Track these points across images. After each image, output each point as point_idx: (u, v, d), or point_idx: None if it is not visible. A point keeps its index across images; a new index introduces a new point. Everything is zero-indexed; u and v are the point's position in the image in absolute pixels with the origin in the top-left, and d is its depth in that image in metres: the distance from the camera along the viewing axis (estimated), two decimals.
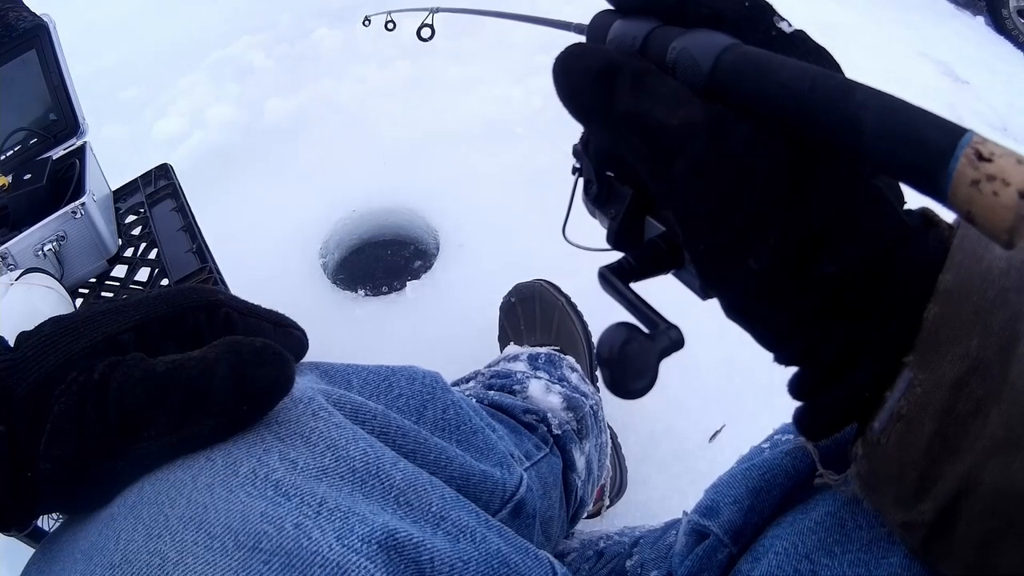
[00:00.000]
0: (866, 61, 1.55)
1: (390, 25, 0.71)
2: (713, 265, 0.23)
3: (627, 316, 0.24)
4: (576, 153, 0.29)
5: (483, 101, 1.42)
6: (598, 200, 0.28)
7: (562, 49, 0.24)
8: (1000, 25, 2.02)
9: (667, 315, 0.23)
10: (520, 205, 1.15)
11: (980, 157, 0.16)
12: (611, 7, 0.26)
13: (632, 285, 0.25)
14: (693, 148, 0.21)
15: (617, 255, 0.26)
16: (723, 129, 0.21)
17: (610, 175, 0.27)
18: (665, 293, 0.31)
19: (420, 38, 0.60)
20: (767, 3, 0.24)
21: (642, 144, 0.22)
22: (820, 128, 0.19)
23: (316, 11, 1.77)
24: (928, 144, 0.17)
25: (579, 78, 0.23)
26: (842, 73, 0.23)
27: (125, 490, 0.27)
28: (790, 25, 0.24)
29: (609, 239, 0.28)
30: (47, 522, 0.54)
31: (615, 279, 0.25)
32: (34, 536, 0.56)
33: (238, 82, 1.58)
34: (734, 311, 0.24)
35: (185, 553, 0.24)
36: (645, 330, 0.23)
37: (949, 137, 0.17)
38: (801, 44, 0.23)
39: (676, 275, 0.26)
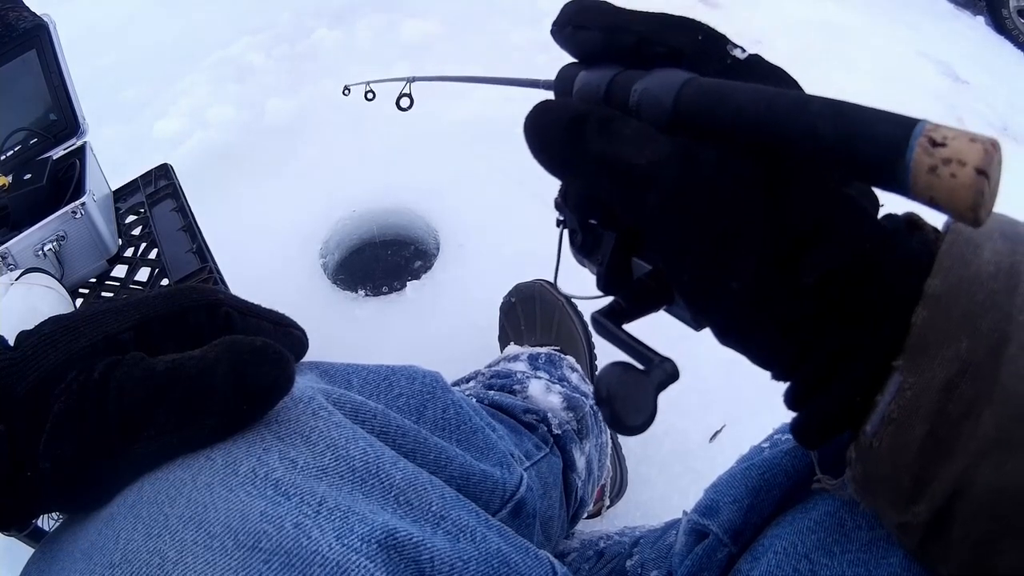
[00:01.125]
0: (866, 61, 1.56)
1: (370, 95, 0.73)
2: (697, 291, 0.23)
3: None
4: (557, 206, 0.30)
5: (483, 101, 1.42)
6: (584, 248, 0.29)
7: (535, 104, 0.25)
8: (1000, 25, 2.02)
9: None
10: (520, 205, 1.15)
11: (934, 143, 0.16)
12: (575, 60, 0.27)
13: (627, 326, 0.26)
14: (663, 180, 0.22)
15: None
16: (689, 158, 0.22)
17: (592, 223, 0.28)
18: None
19: (399, 108, 0.62)
20: (720, 34, 0.25)
21: (615, 184, 0.23)
22: (783, 144, 0.20)
23: (316, 11, 1.78)
24: (882, 140, 0.17)
25: (549, 131, 0.24)
26: (800, 89, 0.24)
27: (125, 489, 0.27)
28: (743, 51, 0.24)
29: (599, 285, 0.28)
30: (47, 522, 0.54)
31: (608, 322, 0.26)
32: (34, 536, 0.56)
33: (238, 82, 1.58)
34: (725, 335, 0.24)
35: (185, 552, 0.24)
36: (640, 367, 0.24)
37: (902, 130, 0.17)
38: (757, 67, 0.24)
39: (668, 311, 0.27)
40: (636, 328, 0.25)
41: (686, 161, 0.22)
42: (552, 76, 0.28)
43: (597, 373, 0.24)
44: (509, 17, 1.65)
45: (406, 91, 0.61)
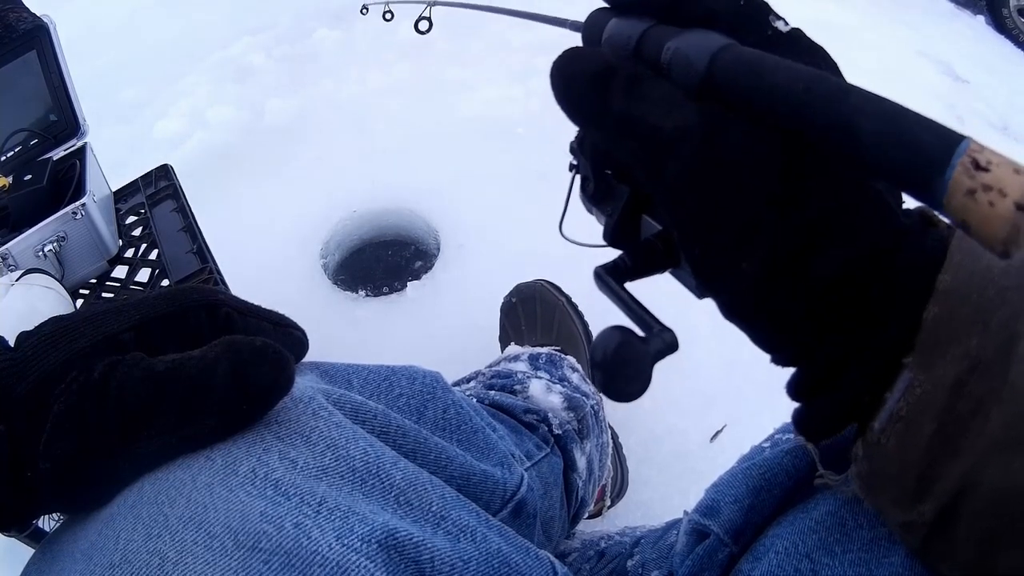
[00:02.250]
0: (866, 61, 1.55)
1: (388, 15, 0.72)
2: (707, 267, 0.23)
3: (624, 318, 0.24)
4: (573, 150, 0.29)
5: (483, 101, 1.42)
6: (595, 198, 0.28)
7: (560, 52, 0.24)
8: (1000, 24, 2.02)
9: (667, 315, 0.23)
10: (520, 205, 1.15)
11: (977, 166, 0.16)
12: (607, 5, 0.26)
13: (628, 285, 0.25)
14: (685, 151, 0.21)
15: (614, 253, 0.26)
16: (715, 133, 0.21)
17: (607, 173, 0.27)
18: (664, 293, 0.31)
19: (418, 31, 0.60)
20: (763, 2, 0.24)
21: (637, 147, 0.22)
22: (814, 132, 0.19)
23: (316, 11, 1.78)
24: (924, 152, 0.17)
25: (575, 81, 0.23)
26: (839, 72, 0.23)
27: (125, 490, 0.27)
28: (786, 24, 0.23)
29: (606, 236, 0.28)
30: (47, 522, 0.54)
31: (610, 279, 0.25)
32: (34, 536, 0.56)
33: (238, 82, 1.58)
34: (730, 312, 0.24)
35: (185, 553, 0.24)
36: (640, 333, 0.23)
37: (945, 145, 0.16)
38: (797, 43, 0.23)
39: (673, 274, 0.26)
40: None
41: (711, 135, 0.21)
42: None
43: (595, 336, 0.23)
44: (508, 17, 1.65)
45: (425, 14, 0.60)
